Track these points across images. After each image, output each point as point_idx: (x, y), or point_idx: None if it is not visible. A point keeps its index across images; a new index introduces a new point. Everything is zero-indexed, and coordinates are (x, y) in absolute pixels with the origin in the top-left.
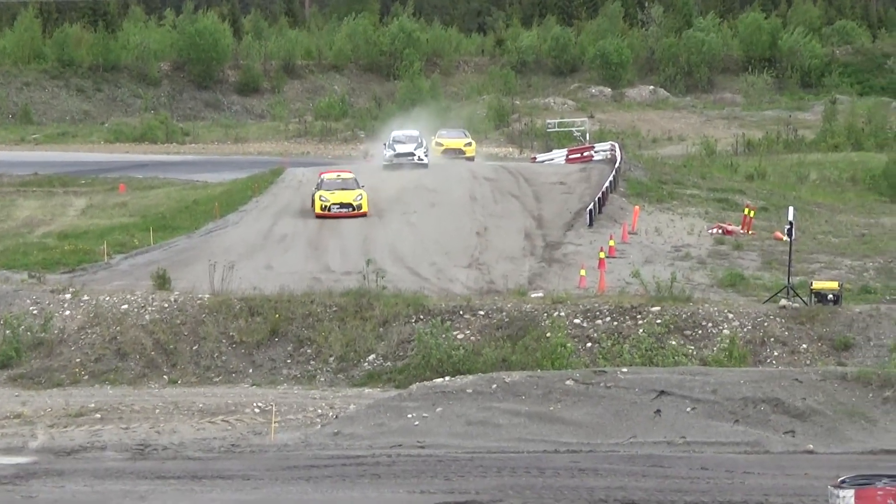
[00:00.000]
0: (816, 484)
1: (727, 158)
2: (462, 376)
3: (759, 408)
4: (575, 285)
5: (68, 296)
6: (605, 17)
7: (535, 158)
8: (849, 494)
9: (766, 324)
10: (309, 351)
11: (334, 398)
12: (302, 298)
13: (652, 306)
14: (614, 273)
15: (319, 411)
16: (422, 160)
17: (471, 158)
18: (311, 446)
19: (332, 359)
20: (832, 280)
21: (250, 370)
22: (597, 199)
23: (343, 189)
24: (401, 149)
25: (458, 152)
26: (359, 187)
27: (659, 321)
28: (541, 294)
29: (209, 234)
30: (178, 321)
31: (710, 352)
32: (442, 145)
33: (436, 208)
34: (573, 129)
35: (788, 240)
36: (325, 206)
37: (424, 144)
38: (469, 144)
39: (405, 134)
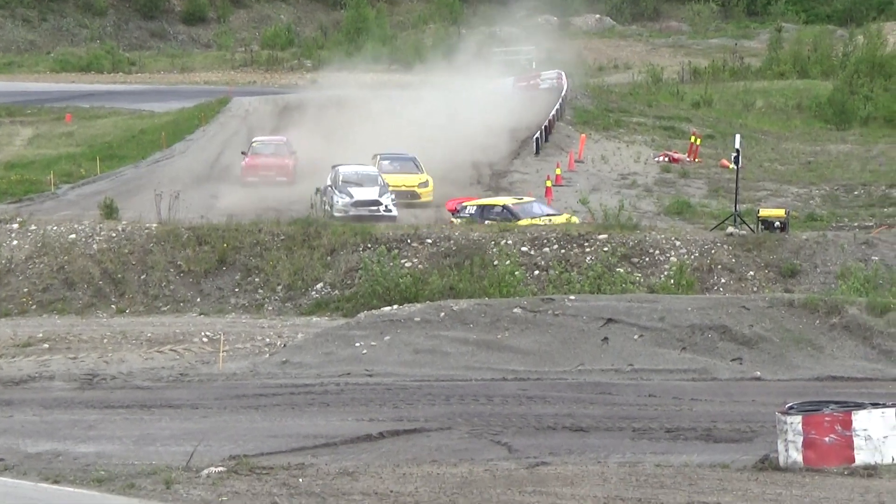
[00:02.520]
0: (764, 410)
1: (673, 86)
2: (410, 304)
3: (706, 335)
4: None
5: (15, 225)
6: None
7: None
8: (796, 420)
9: (713, 251)
10: (257, 280)
11: (282, 327)
12: (249, 227)
13: (599, 234)
14: (561, 201)
15: (267, 340)
16: (390, 211)
17: (426, 204)
18: (259, 375)
19: (279, 287)
20: (779, 207)
21: (198, 299)
22: (543, 127)
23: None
24: (360, 194)
25: (410, 195)
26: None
27: (606, 249)
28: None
29: (156, 163)
30: (126, 250)
31: (658, 279)
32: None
33: (383, 137)
34: (520, 57)
35: (735, 167)
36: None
37: (388, 186)
38: (425, 184)
39: (359, 172)
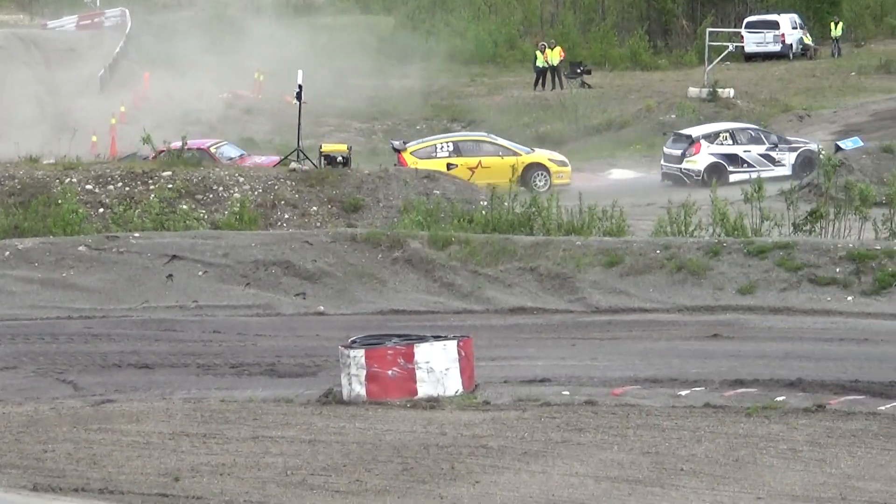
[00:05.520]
0: (328, 345)
1: (236, 23)
2: None
3: (270, 270)
4: (87, 151)
5: None
6: None
7: (46, 25)
8: (359, 354)
9: (276, 187)
10: None
11: None
12: None
13: (163, 171)
14: (126, 139)
15: None
16: None
17: None
18: None
19: None
20: (341, 143)
21: None
22: (108, 65)
23: None
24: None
25: None
26: None
27: (170, 186)
28: (52, 161)
29: None
30: None
31: (222, 216)
32: None
33: None
34: None
35: (298, 103)
36: None
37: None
38: None
39: None
